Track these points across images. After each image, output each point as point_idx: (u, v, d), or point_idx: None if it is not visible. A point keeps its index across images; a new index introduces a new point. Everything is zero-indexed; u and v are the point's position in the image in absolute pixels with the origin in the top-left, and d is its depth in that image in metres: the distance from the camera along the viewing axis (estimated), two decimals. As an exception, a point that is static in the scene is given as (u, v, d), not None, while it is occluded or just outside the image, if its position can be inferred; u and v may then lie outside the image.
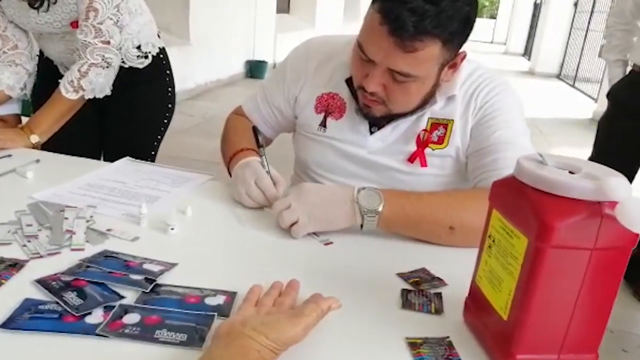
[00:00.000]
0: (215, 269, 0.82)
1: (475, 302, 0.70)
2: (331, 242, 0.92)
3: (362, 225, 0.92)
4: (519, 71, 11.16)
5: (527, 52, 13.92)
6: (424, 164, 1.07)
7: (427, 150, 1.07)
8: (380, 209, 0.90)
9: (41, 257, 0.79)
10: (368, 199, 0.91)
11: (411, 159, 1.08)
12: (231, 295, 0.74)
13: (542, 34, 11.00)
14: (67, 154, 1.25)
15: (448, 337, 0.69)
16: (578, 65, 9.36)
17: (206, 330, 0.65)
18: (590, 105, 7.18)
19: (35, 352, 0.61)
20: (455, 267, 0.86)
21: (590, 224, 0.56)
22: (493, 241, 0.65)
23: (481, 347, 0.67)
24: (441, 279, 0.82)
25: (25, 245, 0.82)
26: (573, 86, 9.29)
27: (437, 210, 0.92)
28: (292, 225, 0.91)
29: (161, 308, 0.69)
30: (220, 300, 0.72)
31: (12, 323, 0.64)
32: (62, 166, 1.20)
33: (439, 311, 0.75)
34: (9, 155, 1.19)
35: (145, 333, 0.64)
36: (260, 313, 0.66)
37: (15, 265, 0.76)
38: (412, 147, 1.08)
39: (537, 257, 0.57)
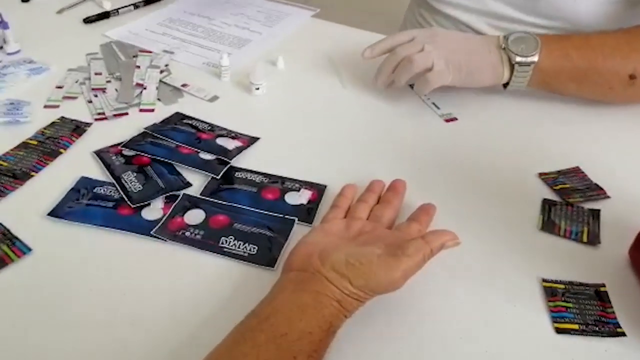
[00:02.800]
0: (303, 147, 0.66)
1: (656, 247, 0.49)
2: (455, 118, 0.71)
3: (506, 85, 0.70)
4: None
5: None
6: None
7: None
8: (536, 58, 0.67)
9: (106, 118, 0.68)
10: (520, 44, 0.68)
11: None
12: (318, 191, 0.59)
13: None
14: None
15: (603, 285, 0.50)
16: None
17: (282, 242, 0.52)
18: None
19: (80, 250, 0.51)
20: (623, 170, 0.63)
21: None
22: None
23: (652, 309, 0.48)
24: (601, 188, 0.60)
25: (90, 102, 0.70)
26: None
27: (612, 53, 0.68)
28: (424, 72, 0.67)
29: (231, 204, 0.56)
30: (304, 198, 0.57)
31: (62, 210, 0.55)
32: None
33: (593, 241, 0.54)
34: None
35: (208, 240, 0.52)
36: (350, 231, 0.50)
37: (77, 130, 0.65)
38: None
39: None
